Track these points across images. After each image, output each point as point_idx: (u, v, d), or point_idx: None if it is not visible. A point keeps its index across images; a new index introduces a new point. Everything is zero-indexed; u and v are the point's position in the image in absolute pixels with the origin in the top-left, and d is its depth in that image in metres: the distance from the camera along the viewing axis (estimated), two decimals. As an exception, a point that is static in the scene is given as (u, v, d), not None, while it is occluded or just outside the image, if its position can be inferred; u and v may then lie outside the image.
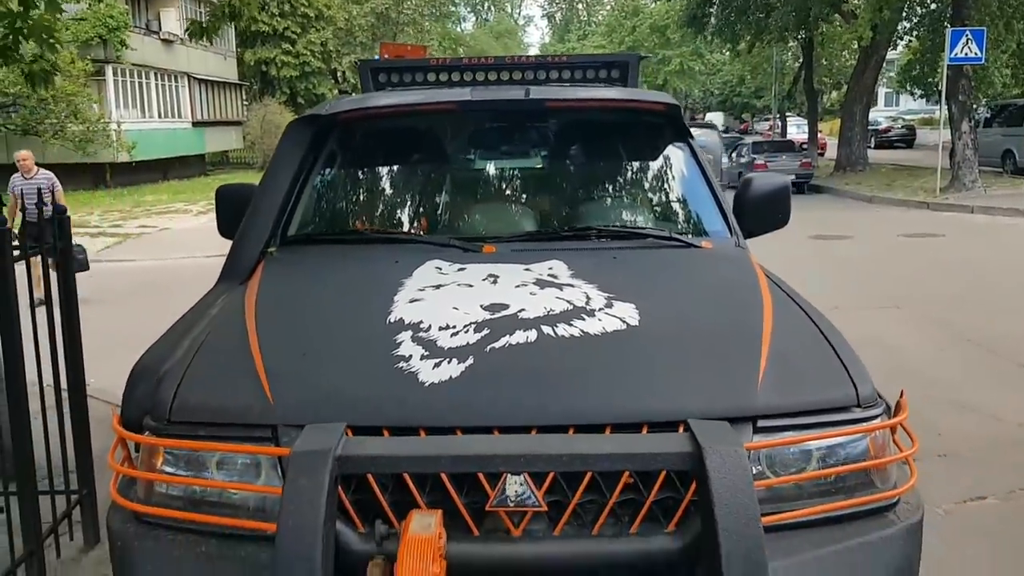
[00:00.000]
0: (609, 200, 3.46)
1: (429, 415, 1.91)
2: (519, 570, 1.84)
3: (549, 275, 2.51)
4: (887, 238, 14.49)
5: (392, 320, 2.24)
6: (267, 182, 3.13)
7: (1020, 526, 4.28)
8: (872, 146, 37.62)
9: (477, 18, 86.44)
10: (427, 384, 1.97)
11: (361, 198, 3.57)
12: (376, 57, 13.62)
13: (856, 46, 25.58)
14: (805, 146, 29.83)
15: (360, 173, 3.60)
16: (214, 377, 2.11)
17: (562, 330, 2.16)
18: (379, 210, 3.49)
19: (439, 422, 1.89)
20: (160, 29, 30.54)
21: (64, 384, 3.75)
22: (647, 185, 3.55)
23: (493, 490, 1.82)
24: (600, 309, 2.27)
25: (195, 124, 32.86)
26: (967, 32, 18.95)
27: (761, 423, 1.92)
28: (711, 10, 29.52)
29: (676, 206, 3.36)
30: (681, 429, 1.85)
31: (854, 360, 2.12)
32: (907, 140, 39.79)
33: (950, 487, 4.75)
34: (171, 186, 27.91)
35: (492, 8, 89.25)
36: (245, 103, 39.45)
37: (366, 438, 1.83)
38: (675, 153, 3.42)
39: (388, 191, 3.59)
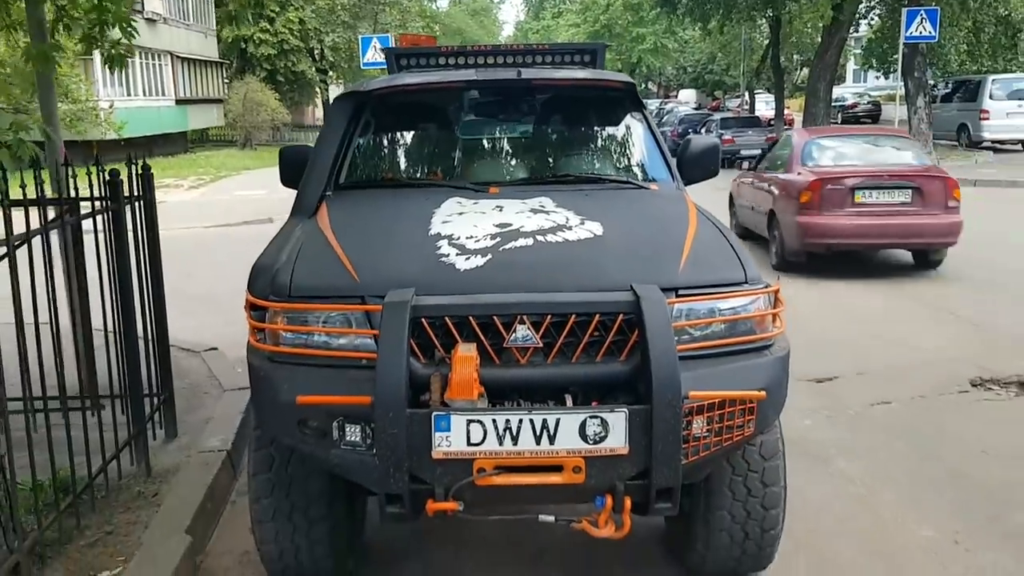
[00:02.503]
0: (582, 155, 4.46)
1: (465, 288, 2.89)
2: (525, 385, 2.82)
3: (539, 206, 3.49)
4: (842, 206, 15.58)
5: (431, 233, 3.21)
6: (321, 143, 4.09)
7: (913, 422, 5.34)
8: (839, 122, 38.77)
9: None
10: (462, 270, 2.95)
11: (393, 154, 4.56)
12: (394, 44, 15.67)
13: (819, 25, 26.57)
14: (772, 122, 30.95)
15: (392, 135, 4.57)
16: (315, 268, 3.07)
17: (550, 238, 3.14)
18: (408, 163, 4.52)
19: (471, 291, 2.88)
20: (143, 8, 31.00)
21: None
22: (610, 143, 4.56)
23: (507, 333, 2.81)
24: (576, 225, 3.24)
25: (178, 102, 33.44)
26: (921, 11, 19.97)
27: (681, 292, 2.91)
28: (682, -11, 30.42)
29: (632, 159, 4.37)
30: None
31: (746, 256, 3.13)
32: (872, 116, 40.94)
33: (862, 396, 5.82)
34: (157, 163, 28.34)
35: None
36: (226, 81, 39.98)
37: (427, 296, 2.81)
38: (632, 119, 4.41)
39: (414, 149, 4.60)
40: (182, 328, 6.84)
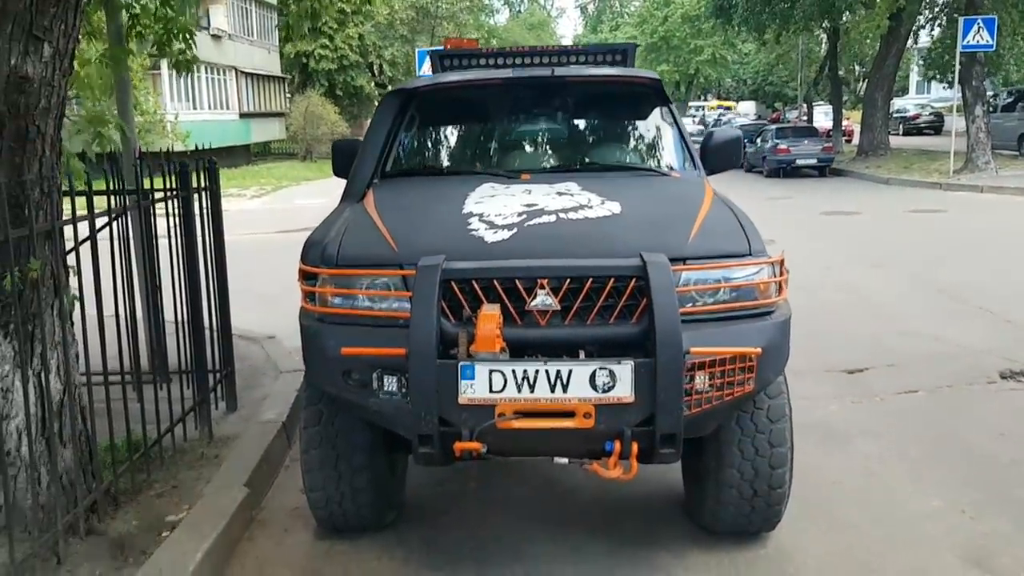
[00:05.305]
0: (610, 145, 4.79)
1: (491, 257, 3.21)
2: (544, 344, 3.12)
3: (565, 189, 3.80)
4: (892, 214, 15.59)
5: (465, 212, 3.55)
6: (369, 136, 4.47)
7: (936, 408, 5.50)
8: (901, 133, 38.30)
9: (510, 10, 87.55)
10: (489, 242, 3.27)
11: (435, 145, 4.95)
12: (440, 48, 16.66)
13: (874, 35, 26.44)
14: (830, 133, 30.81)
15: (434, 128, 4.94)
16: (360, 241, 3.42)
17: (571, 215, 3.45)
18: (448, 153, 4.90)
19: (496, 259, 3.20)
20: (209, 25, 32.10)
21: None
22: (636, 135, 4.86)
23: (529, 298, 3.12)
24: (597, 205, 3.55)
25: (242, 116, 34.50)
26: (978, 20, 19.85)
27: (689, 262, 3.19)
28: (737, 1, 30.45)
29: (656, 149, 4.66)
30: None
31: (753, 232, 3.39)
32: (935, 127, 40.26)
33: (890, 385, 5.99)
34: (221, 174, 29.40)
35: (525, 0, 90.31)
36: (288, 95, 41.07)
37: (456, 261, 3.14)
38: (658, 113, 4.71)
39: (454, 141, 4.99)
40: (244, 321, 7.29)
